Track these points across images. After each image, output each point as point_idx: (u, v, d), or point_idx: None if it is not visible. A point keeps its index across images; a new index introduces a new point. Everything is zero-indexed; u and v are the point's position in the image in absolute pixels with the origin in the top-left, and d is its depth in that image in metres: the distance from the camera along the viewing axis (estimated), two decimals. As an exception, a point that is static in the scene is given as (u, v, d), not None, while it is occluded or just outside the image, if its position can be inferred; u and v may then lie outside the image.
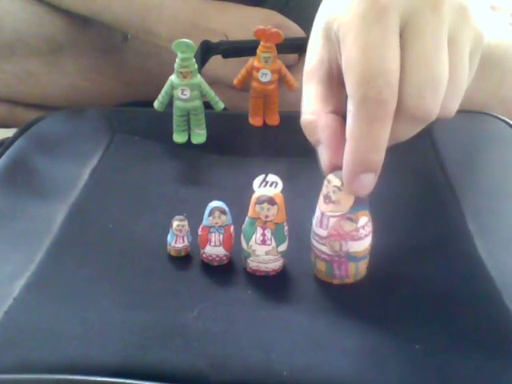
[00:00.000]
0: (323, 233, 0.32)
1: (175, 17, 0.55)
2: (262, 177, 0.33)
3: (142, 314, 0.31)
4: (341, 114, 0.32)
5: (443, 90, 0.28)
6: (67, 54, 0.59)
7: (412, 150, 0.45)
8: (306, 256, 0.34)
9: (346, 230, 0.31)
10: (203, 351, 0.29)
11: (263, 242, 0.33)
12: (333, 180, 0.31)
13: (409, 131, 0.31)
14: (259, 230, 0.32)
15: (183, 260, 0.35)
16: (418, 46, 0.28)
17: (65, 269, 0.34)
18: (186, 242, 0.35)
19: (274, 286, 0.33)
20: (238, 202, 0.34)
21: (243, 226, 0.33)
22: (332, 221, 0.31)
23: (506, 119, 0.48)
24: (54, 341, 0.29)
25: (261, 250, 0.33)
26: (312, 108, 0.32)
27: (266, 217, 0.32)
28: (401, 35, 0.28)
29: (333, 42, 0.31)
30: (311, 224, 0.33)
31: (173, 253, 0.35)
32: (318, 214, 0.32)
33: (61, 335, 0.29)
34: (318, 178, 0.32)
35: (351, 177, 0.29)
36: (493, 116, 0.49)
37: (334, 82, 0.32)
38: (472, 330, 0.30)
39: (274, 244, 0.33)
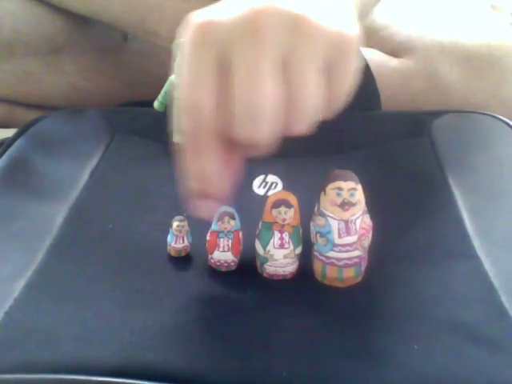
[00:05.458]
0: (353, 238, 0.31)
1: (175, 17, 0.55)
2: (261, 177, 0.33)
3: (142, 314, 0.31)
4: None
5: (268, 116, 0.27)
6: (67, 54, 0.59)
7: (411, 149, 0.46)
8: (305, 256, 0.34)
9: (368, 223, 0.32)
10: (203, 351, 0.29)
11: (281, 246, 0.32)
12: (344, 185, 0.31)
13: (252, 153, 0.31)
14: (277, 235, 0.32)
15: (183, 260, 0.35)
16: (236, 78, 0.27)
17: (65, 269, 0.34)
18: (186, 243, 0.35)
19: (274, 286, 0.33)
20: (238, 202, 0.34)
21: (257, 231, 0.33)
22: (358, 222, 0.31)
23: (505, 119, 0.48)
24: (54, 341, 0.29)
25: (279, 254, 0.33)
26: None
27: (284, 220, 0.32)
28: (227, 67, 0.27)
29: None
30: (312, 242, 0.33)
31: (173, 253, 0.35)
32: (337, 227, 0.31)
33: (61, 335, 0.29)
34: (317, 177, 0.32)
35: (191, 201, 0.30)
36: (492, 116, 0.49)
37: None
38: (470, 329, 0.30)
39: (291, 247, 0.33)
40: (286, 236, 0.32)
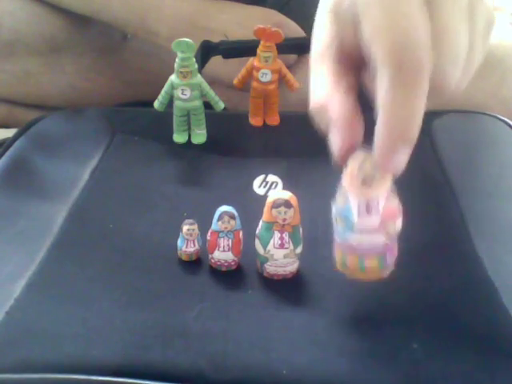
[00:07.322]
0: (375, 220, 0.28)
1: (175, 16, 0.55)
2: (261, 177, 0.33)
3: (143, 313, 0.31)
4: (352, 96, 0.30)
5: (462, 63, 0.27)
6: (67, 53, 0.59)
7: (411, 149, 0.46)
8: (305, 256, 0.34)
9: (394, 206, 0.29)
10: (203, 351, 0.29)
11: (281, 246, 0.32)
12: (368, 162, 0.28)
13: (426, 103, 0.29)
14: (277, 234, 0.32)
15: (183, 260, 0.35)
16: (441, 17, 0.27)
17: (65, 269, 0.34)
18: (197, 246, 0.34)
19: (274, 286, 0.33)
20: (239, 202, 0.34)
21: (258, 231, 0.33)
22: (382, 203, 0.28)
23: (505, 119, 0.48)
24: (55, 341, 0.29)
25: (279, 253, 0.33)
26: (324, 90, 0.30)
27: (284, 220, 0.32)
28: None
29: (343, 21, 0.30)
30: (330, 227, 0.30)
31: (184, 257, 0.35)
32: (357, 205, 0.28)
33: (61, 335, 0.29)
34: (317, 177, 0.32)
35: (387, 153, 0.27)
36: (493, 116, 0.49)
37: (345, 61, 0.31)
38: (470, 329, 0.30)
39: (291, 247, 0.33)
40: (286, 236, 0.32)
